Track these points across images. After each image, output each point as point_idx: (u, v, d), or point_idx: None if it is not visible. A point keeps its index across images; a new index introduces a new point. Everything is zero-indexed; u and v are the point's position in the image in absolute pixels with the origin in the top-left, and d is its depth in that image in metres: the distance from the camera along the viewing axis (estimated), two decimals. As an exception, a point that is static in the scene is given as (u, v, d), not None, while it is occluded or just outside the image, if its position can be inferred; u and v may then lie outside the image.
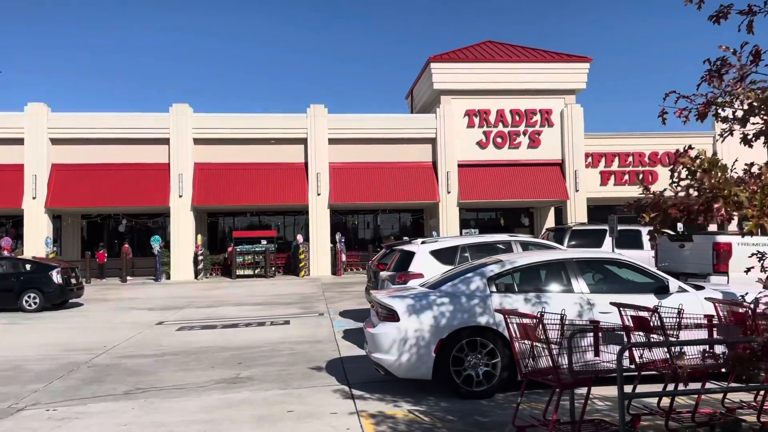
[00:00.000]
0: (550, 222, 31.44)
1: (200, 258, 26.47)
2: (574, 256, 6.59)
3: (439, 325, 6.14)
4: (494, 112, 28.47)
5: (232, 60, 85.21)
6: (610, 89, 73.70)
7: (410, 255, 8.94)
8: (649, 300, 6.18)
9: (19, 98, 77.77)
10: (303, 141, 27.78)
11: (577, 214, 28.58)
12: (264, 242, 27.32)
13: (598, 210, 30.86)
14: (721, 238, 9.16)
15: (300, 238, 27.39)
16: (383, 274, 9.42)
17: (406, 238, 26.89)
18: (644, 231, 14.73)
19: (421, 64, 30.79)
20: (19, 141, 26.09)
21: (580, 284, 6.41)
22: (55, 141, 26.59)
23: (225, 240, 29.98)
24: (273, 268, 27.23)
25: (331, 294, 18.88)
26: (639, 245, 14.81)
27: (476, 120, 28.44)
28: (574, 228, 14.37)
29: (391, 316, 6.28)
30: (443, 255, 8.82)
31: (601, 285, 6.55)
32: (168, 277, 26.54)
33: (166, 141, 27.00)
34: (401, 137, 28.17)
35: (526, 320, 4.79)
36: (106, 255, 27.33)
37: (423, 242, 9.11)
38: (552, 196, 28.20)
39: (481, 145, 28.49)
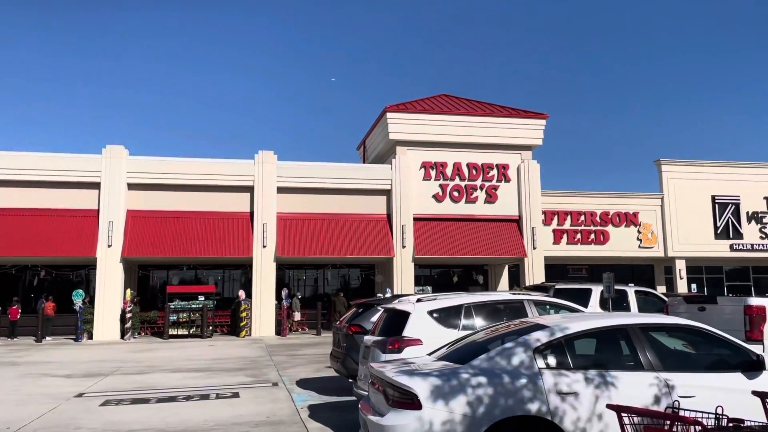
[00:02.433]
0: (504, 281, 30.53)
1: (128, 315, 23.73)
2: (636, 321, 5.19)
3: (475, 414, 4.54)
4: (451, 165, 27.65)
5: (173, 102, 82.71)
6: (562, 147, 75.65)
7: (403, 316, 7.32)
8: (739, 380, 4.82)
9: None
10: (249, 189, 25.96)
11: (534, 273, 27.73)
12: (201, 298, 24.90)
13: (550, 269, 30.29)
14: (754, 301, 8.06)
15: (242, 294, 25.15)
16: (368, 339, 7.71)
17: (420, 288, 25.00)
18: (630, 291, 13.67)
19: (373, 117, 30.10)
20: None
21: (648, 358, 4.99)
22: (-33, 181, 23.69)
23: (157, 296, 27.26)
24: (211, 328, 24.75)
25: (280, 358, 16.81)
26: (623, 305, 13.71)
27: (433, 172, 27.51)
28: (557, 287, 13.15)
29: (409, 401, 4.64)
30: (444, 316, 7.26)
31: (673, 359, 5.14)
32: (90, 337, 23.61)
33: (96, 185, 24.59)
34: (355, 188, 26.82)
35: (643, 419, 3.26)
36: (20, 311, 24.13)
37: (419, 300, 7.52)
38: (510, 254, 27.29)
39: (438, 198, 27.48)
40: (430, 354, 5.93)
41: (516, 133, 28.28)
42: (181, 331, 24.09)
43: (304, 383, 11.96)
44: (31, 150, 25.01)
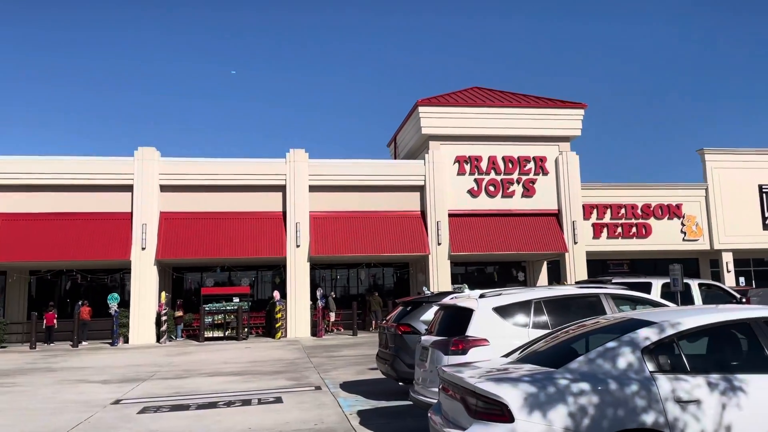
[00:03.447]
0: (543, 277, 29.57)
1: (164, 318, 23.46)
2: (762, 314, 4.41)
3: (579, 428, 3.85)
4: (486, 159, 26.83)
5: (204, 102, 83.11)
6: (600, 138, 73.87)
7: (465, 313, 6.63)
8: None
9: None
10: (281, 188, 25.51)
11: (576, 269, 26.73)
12: (236, 300, 24.53)
13: (590, 264, 29.20)
14: None
15: (276, 294, 24.71)
16: (426, 339, 7.04)
17: (458, 286, 24.22)
18: (694, 284, 12.74)
19: (403, 113, 29.35)
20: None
21: (778, 358, 4.23)
22: (1, 188, 23.68)
23: (192, 299, 27.00)
24: (246, 329, 24.35)
25: (319, 360, 16.24)
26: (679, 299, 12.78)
27: (467, 167, 26.72)
28: (614, 282, 12.28)
29: (497, 412, 3.96)
30: (511, 313, 6.55)
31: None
32: (126, 341, 23.41)
33: (129, 188, 24.41)
34: (388, 184, 26.18)
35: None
36: (56, 316, 24.05)
37: (482, 296, 6.81)
38: (550, 249, 26.36)
39: (473, 193, 26.68)
40: (506, 356, 5.24)
41: (553, 124, 27.33)
42: (216, 333, 23.75)
43: (348, 386, 11.34)
44: (61, 154, 24.89)
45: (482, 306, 6.56)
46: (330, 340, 22.95)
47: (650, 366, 4.14)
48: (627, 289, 7.29)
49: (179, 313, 24.76)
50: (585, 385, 4.01)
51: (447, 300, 7.64)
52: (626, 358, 4.16)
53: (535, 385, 4.03)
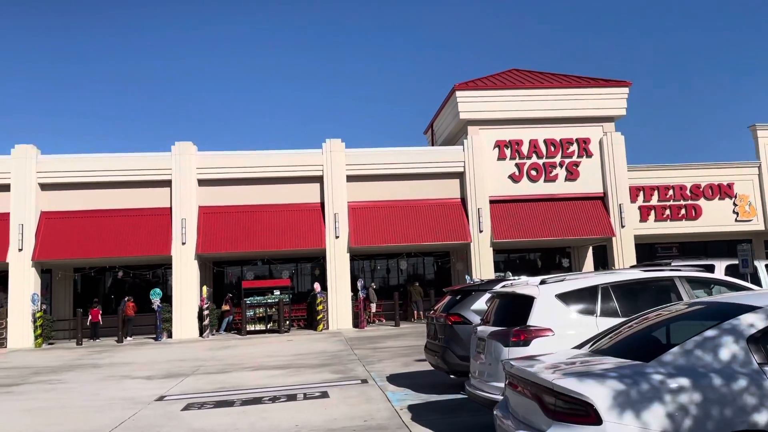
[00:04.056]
0: (588, 263, 28.65)
1: (206, 312, 23.49)
2: None
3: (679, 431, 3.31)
4: (527, 143, 26.01)
5: (238, 95, 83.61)
6: (644, 117, 71.31)
7: (525, 301, 6.10)
8: None
9: (4, 141, 75.38)
10: (318, 179, 25.22)
11: (624, 253, 25.76)
12: (277, 293, 24.40)
13: (637, 249, 28.11)
14: None
15: (317, 287, 24.48)
16: (482, 330, 6.53)
17: (500, 274, 23.79)
18: (761, 265, 11.89)
19: (439, 99, 28.70)
20: (5, 187, 23.53)
21: None
22: (44, 186, 24.03)
23: (232, 292, 27.02)
24: (288, 322, 24.22)
25: (363, 352, 15.89)
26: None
27: (507, 151, 25.96)
28: (675, 264, 11.55)
29: (582, 412, 3.47)
30: (576, 300, 5.99)
31: None
32: (170, 336, 23.53)
33: (167, 183, 24.45)
34: (426, 172, 25.62)
35: None
36: (100, 312, 24.33)
37: (543, 282, 6.28)
38: (596, 233, 25.44)
39: (514, 178, 25.92)
40: (578, 347, 4.72)
41: (596, 104, 26.31)
42: (258, 327, 23.68)
43: (395, 379, 10.94)
44: (97, 152, 25.09)
45: (544, 293, 6.03)
46: (372, 331, 22.62)
47: (757, 357, 3.58)
48: (702, 271, 6.65)
49: (226, 307, 24.90)
50: (684, 381, 3.48)
51: (503, 287, 7.12)
52: (729, 348, 3.61)
53: (624, 381, 3.51)
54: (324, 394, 9.85)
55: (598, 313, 5.95)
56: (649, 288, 6.32)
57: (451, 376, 9.25)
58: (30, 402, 10.46)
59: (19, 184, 23.44)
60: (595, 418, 3.43)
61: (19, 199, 23.34)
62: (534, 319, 5.90)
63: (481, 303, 9.00)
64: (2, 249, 23.09)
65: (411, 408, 8.38)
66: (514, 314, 6.25)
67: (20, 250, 23.08)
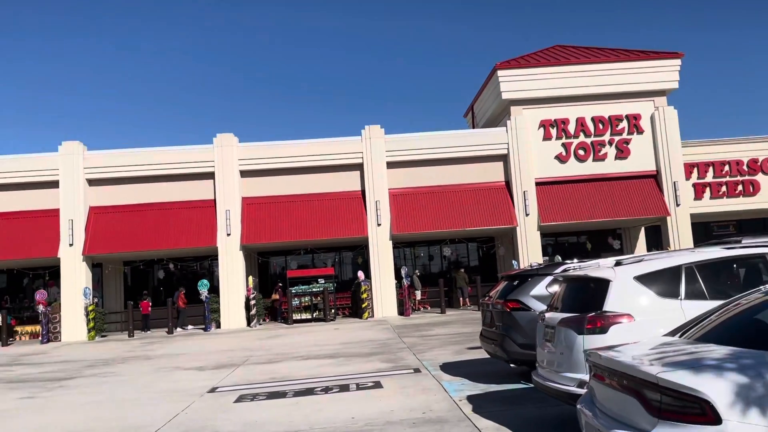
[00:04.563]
0: (641, 244, 27.61)
1: (253, 303, 23.55)
2: None
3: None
4: (573, 121, 25.11)
5: (275, 84, 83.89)
6: (695, 91, 68.30)
7: (600, 285, 5.61)
8: None
9: (50, 138, 77.54)
10: (359, 166, 24.91)
11: (680, 233, 24.68)
12: (321, 281, 24.28)
13: (693, 228, 26.94)
14: None
15: (361, 275, 24.25)
16: (551, 317, 6.07)
17: (515, 264, 23.33)
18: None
19: (479, 81, 27.95)
20: (54, 184, 23.99)
21: None
22: (91, 182, 24.40)
23: (277, 282, 27.06)
24: (333, 311, 24.09)
25: (412, 340, 15.56)
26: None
27: (553, 131, 25.12)
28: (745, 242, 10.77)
29: (694, 411, 3.02)
30: (658, 282, 5.47)
31: None
32: (218, 326, 23.71)
33: (210, 175, 24.53)
34: (469, 156, 25.03)
35: None
36: (150, 304, 24.68)
37: (618, 263, 5.78)
38: (649, 213, 24.45)
39: (561, 158, 25.09)
40: (671, 334, 4.24)
41: (646, 77, 25.18)
42: (304, 316, 23.64)
43: (449, 368, 10.55)
44: (140, 146, 25.31)
45: (621, 275, 5.52)
46: (418, 318, 22.29)
47: None
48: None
49: (276, 296, 25.07)
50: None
51: (572, 271, 6.63)
52: None
53: (746, 373, 3.04)
54: (377, 385, 9.54)
55: (683, 296, 5.42)
56: (737, 267, 5.76)
57: (511, 365, 8.82)
58: (84, 396, 10.47)
59: (68, 180, 23.84)
60: (712, 417, 2.98)
61: (68, 195, 23.76)
62: (611, 304, 5.41)
63: (541, 288, 8.53)
64: (53, 244, 23.58)
65: (470, 399, 7.98)
66: (586, 299, 5.77)
67: (71, 245, 23.52)
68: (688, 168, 26.97)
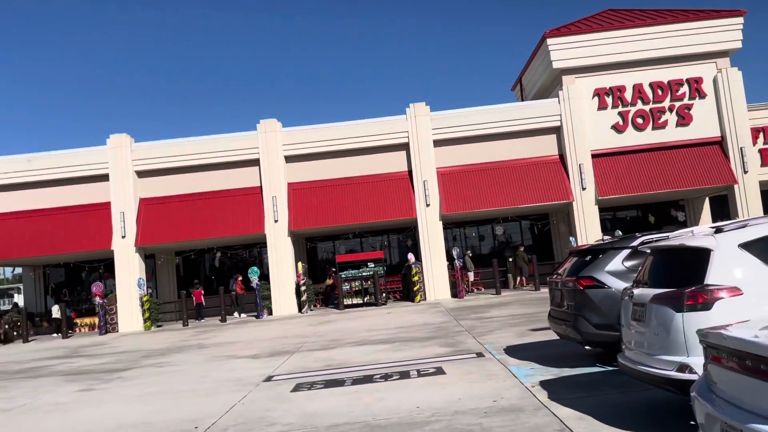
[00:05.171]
0: (705, 215, 26.16)
1: (303, 289, 23.36)
2: None
3: None
4: (630, 88, 23.82)
5: (314, 68, 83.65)
6: (760, 50, 64.48)
7: (699, 255, 4.90)
8: None
9: (96, 131, 79.48)
10: (405, 146, 24.31)
11: (749, 202, 23.20)
12: (371, 265, 23.88)
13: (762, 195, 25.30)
14: None
15: (411, 257, 23.73)
16: (641, 293, 5.38)
17: (618, 233, 22.01)
18: None
19: (526, 53, 26.86)
20: (104, 177, 24.27)
21: None
22: (140, 174, 24.58)
23: (326, 267, 26.84)
24: (384, 295, 23.69)
25: (469, 323, 14.96)
26: None
27: (609, 100, 23.89)
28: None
29: None
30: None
31: None
32: (270, 313, 23.64)
33: (255, 162, 24.37)
34: (519, 130, 24.09)
35: None
36: (203, 293, 24.84)
37: (719, 230, 5.05)
38: (715, 182, 23.07)
39: (618, 128, 23.86)
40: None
41: (707, 38, 23.62)
42: (355, 300, 23.32)
43: (514, 352, 9.94)
44: (186, 136, 25.28)
45: (724, 243, 4.80)
46: (472, 300, 21.65)
47: None
48: None
49: (330, 281, 24.91)
50: None
51: (664, 240, 5.90)
52: None
53: None
54: (439, 371, 9.02)
55: (800, 264, 4.66)
56: None
57: (586, 347, 8.15)
58: (141, 387, 10.32)
59: (117, 173, 24.07)
60: None
61: (118, 187, 23.99)
62: (713, 277, 4.70)
63: (617, 263, 7.80)
64: (106, 237, 23.89)
65: (544, 384, 7.36)
66: (681, 273, 5.06)
67: (123, 237, 23.78)
68: (754, 133, 25.26)
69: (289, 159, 24.49)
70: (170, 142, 24.64)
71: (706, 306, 4.62)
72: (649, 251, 5.74)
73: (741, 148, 23.36)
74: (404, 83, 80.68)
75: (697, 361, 4.58)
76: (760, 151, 25.48)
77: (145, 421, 7.65)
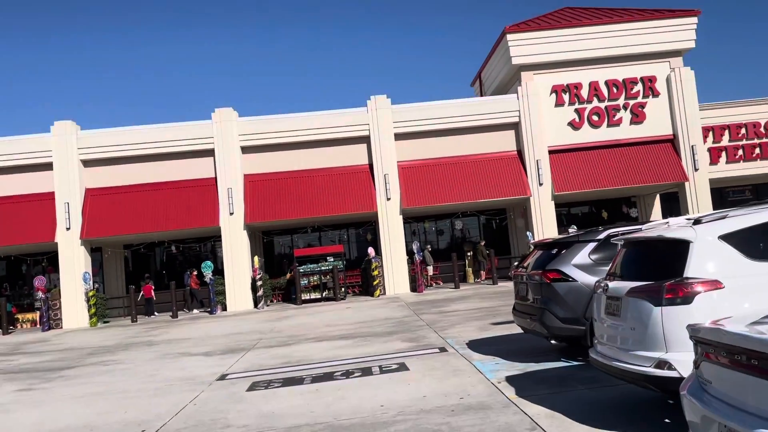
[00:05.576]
0: (656, 212, 26.76)
1: (259, 284, 22.77)
2: None
3: None
4: (586, 86, 24.08)
5: (275, 58, 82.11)
6: (710, 52, 66.17)
7: (677, 247, 4.73)
8: None
9: (42, 118, 76.12)
10: (365, 139, 23.96)
11: (699, 199, 23.78)
12: (330, 259, 23.48)
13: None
14: None
15: (371, 251, 23.44)
16: (617, 286, 5.19)
17: (529, 236, 22.57)
18: None
19: (485, 49, 26.83)
20: (47, 166, 23.08)
21: None
22: (87, 163, 23.49)
23: (284, 261, 26.28)
24: (343, 289, 23.33)
25: (430, 317, 14.78)
26: None
27: (566, 96, 24.10)
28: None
29: None
30: (748, 242, 4.60)
31: None
32: (224, 309, 22.96)
33: (210, 152, 23.60)
34: (479, 125, 24.05)
35: None
36: (153, 288, 23.94)
37: (698, 221, 4.90)
38: (667, 179, 23.56)
39: (574, 125, 24.10)
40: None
41: (661, 37, 24.07)
42: (313, 295, 22.89)
43: (478, 347, 9.75)
44: (136, 125, 24.28)
45: (703, 234, 4.64)
46: (432, 294, 21.52)
47: None
48: None
49: (290, 276, 24.37)
50: None
51: (638, 232, 5.75)
52: None
53: None
54: (402, 366, 8.75)
55: (777, 256, 4.56)
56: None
57: (552, 342, 8.02)
58: (83, 387, 9.70)
59: (62, 161, 22.93)
60: None
61: (63, 177, 22.87)
62: (693, 270, 4.54)
63: (583, 256, 7.68)
64: (50, 229, 22.76)
65: (510, 380, 7.17)
66: (658, 265, 4.91)
67: (68, 229, 22.69)
68: (704, 132, 25.92)
69: (245, 150, 23.82)
70: (118, 130, 23.62)
71: (687, 300, 4.47)
72: (622, 243, 5.58)
73: (692, 147, 23.92)
74: (365, 77, 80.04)
75: (676, 357, 4.43)
76: (710, 149, 26.19)
77: (88, 424, 7.12)
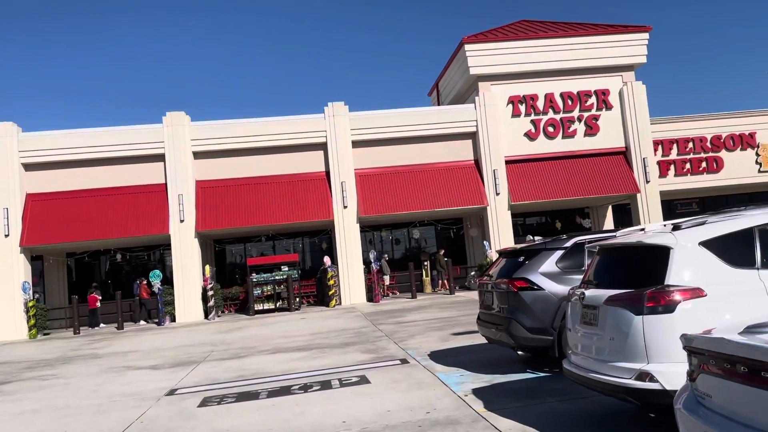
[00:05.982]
0: (609, 222, 27.27)
1: (210, 293, 22.00)
2: None
3: None
4: (542, 97, 24.36)
5: (230, 63, 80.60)
6: (659, 68, 68.28)
7: (657, 254, 4.57)
8: None
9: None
10: (322, 146, 23.57)
11: (650, 210, 24.31)
12: (285, 269, 22.91)
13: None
14: None
15: (327, 260, 22.98)
16: (594, 294, 4.99)
17: (537, 238, 22.07)
18: None
19: (442, 59, 26.89)
20: (-15, 169, 21.76)
21: None
22: (28, 167, 22.31)
23: (236, 271, 25.53)
24: (298, 299, 22.78)
25: (388, 327, 14.47)
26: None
27: (522, 108, 24.31)
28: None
29: None
30: (729, 248, 4.47)
31: None
32: (173, 319, 22.08)
33: (161, 158, 22.76)
34: (437, 134, 24.01)
35: None
36: (99, 298, 22.83)
37: (677, 227, 4.76)
38: (620, 190, 23.99)
39: (530, 136, 24.33)
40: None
41: (614, 52, 24.61)
42: (267, 306, 22.26)
43: (440, 358, 9.49)
44: (84, 128, 23.24)
45: (683, 241, 4.50)
46: (389, 304, 21.22)
47: None
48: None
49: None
50: None
51: (612, 240, 5.58)
52: None
53: None
54: (363, 379, 8.40)
55: (759, 264, 4.45)
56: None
57: (518, 352, 7.82)
58: (20, 403, 8.97)
59: (1, 165, 21.67)
60: None
61: (1, 180, 21.62)
62: (674, 277, 4.39)
63: (550, 264, 7.52)
64: (-13, 235, 21.43)
65: (477, 393, 6.92)
66: (637, 273, 4.74)
67: (6, 235, 21.45)
68: (654, 145, 26.65)
69: (198, 155, 23.08)
70: (63, 133, 22.53)
71: (668, 308, 4.30)
72: (597, 250, 5.41)
73: (644, 159, 24.47)
74: (321, 83, 79.49)
75: (658, 368, 4.25)
76: (659, 163, 26.88)
77: (22, 447, 6.50)
